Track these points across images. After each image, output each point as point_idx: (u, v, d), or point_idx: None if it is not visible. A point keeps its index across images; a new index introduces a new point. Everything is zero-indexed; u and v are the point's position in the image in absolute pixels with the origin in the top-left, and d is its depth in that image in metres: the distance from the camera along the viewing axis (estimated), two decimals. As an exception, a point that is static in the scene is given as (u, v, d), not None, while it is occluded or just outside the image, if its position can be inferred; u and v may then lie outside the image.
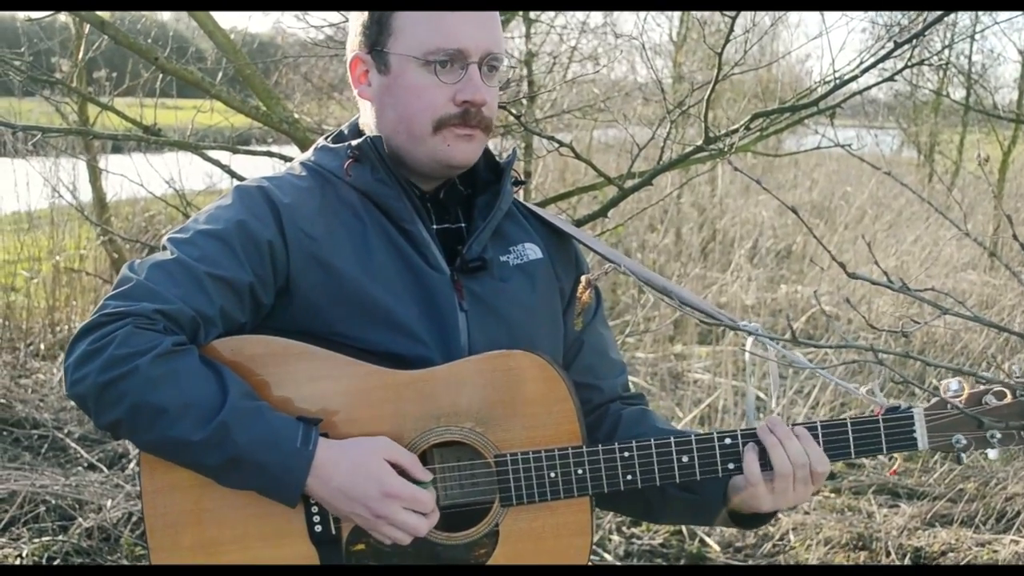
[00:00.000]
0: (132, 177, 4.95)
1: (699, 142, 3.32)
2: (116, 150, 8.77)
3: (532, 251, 2.20)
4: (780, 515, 5.75)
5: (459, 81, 2.01)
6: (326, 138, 2.19)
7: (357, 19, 2.11)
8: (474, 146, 2.07)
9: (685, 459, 2.00)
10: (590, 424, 2.18)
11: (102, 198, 8.53)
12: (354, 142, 2.09)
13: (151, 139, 3.84)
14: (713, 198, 12.40)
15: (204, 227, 1.98)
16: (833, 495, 6.11)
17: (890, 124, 15.89)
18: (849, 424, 1.99)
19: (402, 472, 1.90)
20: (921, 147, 15.56)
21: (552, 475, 1.98)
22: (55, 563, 4.74)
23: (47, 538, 4.93)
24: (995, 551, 5.34)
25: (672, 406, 6.87)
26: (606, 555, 5.19)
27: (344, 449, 1.90)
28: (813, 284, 9.52)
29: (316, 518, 1.96)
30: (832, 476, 6.35)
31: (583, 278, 2.00)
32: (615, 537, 5.41)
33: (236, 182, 2.17)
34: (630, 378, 6.38)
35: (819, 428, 2.00)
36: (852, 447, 2.00)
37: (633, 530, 5.54)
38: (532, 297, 2.15)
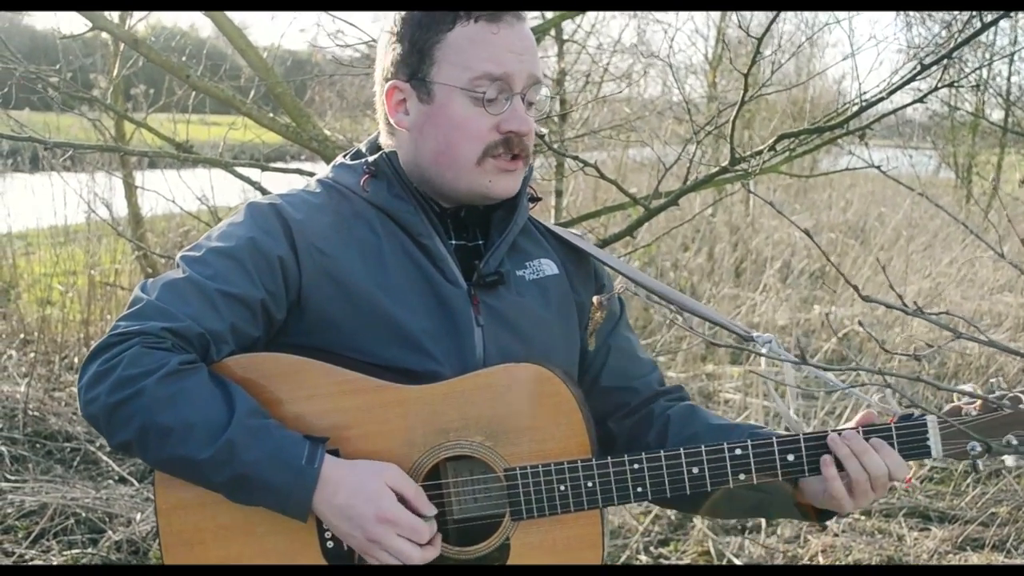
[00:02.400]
0: (165, 193, 5.00)
1: (727, 163, 3.32)
2: (151, 166, 8.84)
3: (548, 267, 2.21)
4: (809, 537, 5.71)
5: (504, 111, 2.02)
6: (344, 155, 2.21)
7: (389, 46, 2.10)
8: (515, 179, 2.09)
9: (695, 471, 1.99)
10: (635, 426, 2.21)
11: (137, 213, 8.61)
12: (370, 158, 2.10)
13: (183, 156, 3.87)
14: (747, 217, 12.36)
15: (216, 245, 2.00)
16: (863, 518, 6.07)
17: (926, 145, 15.80)
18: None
19: (406, 503, 1.90)
20: (958, 168, 15.48)
21: (562, 488, 1.98)
22: (84, 576, 4.77)
23: (76, 551, 4.97)
24: (1027, 576, 5.28)
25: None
26: None
27: (350, 469, 1.90)
28: (847, 305, 9.47)
29: (328, 534, 1.97)
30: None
31: (595, 299, 2.01)
32: (643, 557, 5.39)
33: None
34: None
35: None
36: None
37: (661, 550, 5.52)
38: (547, 311, 2.16)
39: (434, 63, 2.03)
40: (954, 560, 5.49)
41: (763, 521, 5.59)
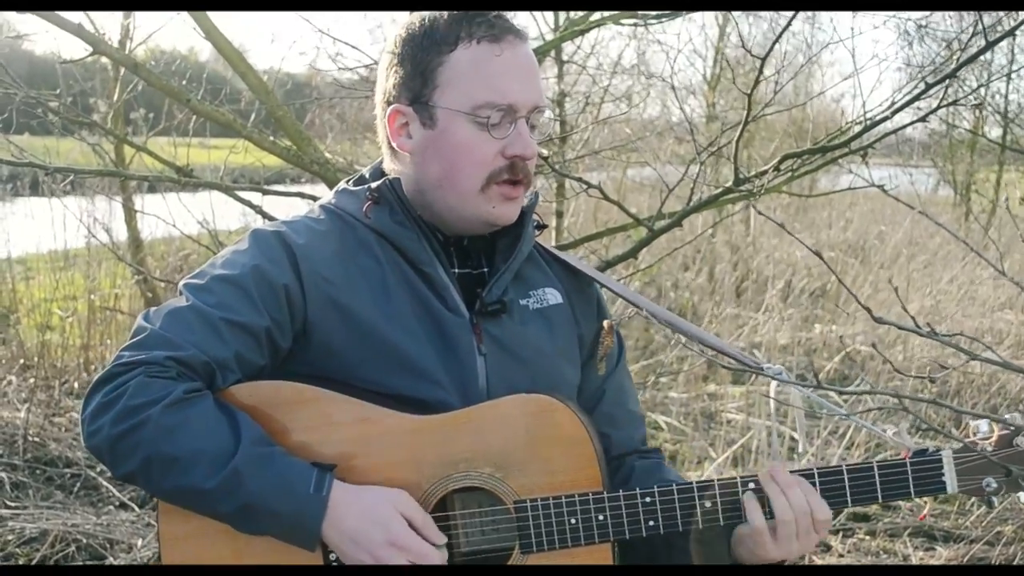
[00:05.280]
0: (165, 217, 4.98)
1: (730, 182, 3.31)
2: (151, 190, 8.83)
3: (552, 296, 2.19)
4: (815, 558, 5.68)
5: (508, 136, 2.01)
6: (347, 181, 2.19)
7: (391, 68, 2.08)
8: (517, 205, 2.08)
9: (708, 504, 1.98)
10: None
11: (137, 237, 8.60)
12: (373, 184, 2.08)
13: (183, 180, 3.86)
14: (747, 237, 12.36)
15: (220, 272, 1.98)
16: (868, 537, 6.04)
17: (926, 163, 15.83)
18: (876, 468, 1.96)
19: (415, 531, 1.88)
20: (957, 186, 15.49)
21: (572, 521, 1.96)
22: (85, 603, 4.75)
23: (82, 582, 4.94)
24: (1033, 596, 5.25)
25: (705, 446, 6.82)
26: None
27: (358, 493, 1.88)
28: (848, 324, 9.45)
29: (334, 561, 1.94)
30: (866, 518, 6.28)
31: (606, 323, 1.99)
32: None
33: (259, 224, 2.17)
34: (663, 418, 6.31)
35: (844, 473, 1.97)
36: (879, 490, 1.97)
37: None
38: (551, 342, 2.14)
39: (436, 87, 2.02)
40: (961, 581, 5.46)
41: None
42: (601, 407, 2.23)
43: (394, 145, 2.10)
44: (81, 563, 5.06)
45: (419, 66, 2.03)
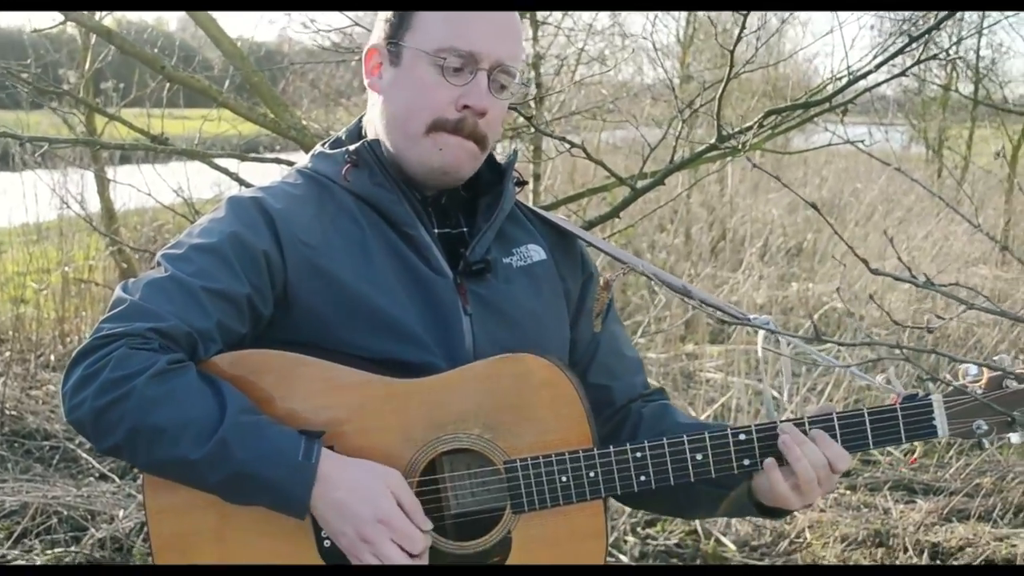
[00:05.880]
0: (140, 187, 4.95)
1: (711, 141, 3.29)
2: (124, 160, 8.78)
3: (536, 253, 2.17)
4: (796, 513, 5.72)
5: (465, 85, 1.99)
6: (323, 144, 2.16)
7: (383, 14, 2.08)
8: (465, 155, 2.04)
9: (699, 457, 1.96)
10: (613, 425, 2.17)
11: (110, 208, 8.54)
12: (352, 147, 2.06)
13: (158, 148, 3.82)
14: (723, 197, 12.37)
15: (197, 241, 1.95)
16: (848, 492, 6.08)
17: (899, 121, 15.85)
18: (867, 414, 1.96)
19: (403, 512, 1.86)
20: (930, 143, 15.54)
21: (563, 479, 1.95)
22: (69, 575, 4.73)
23: (59, 549, 4.92)
24: (1013, 545, 5.30)
25: (685, 406, 6.84)
26: (621, 556, 5.17)
27: (349, 465, 1.86)
28: (824, 281, 9.49)
29: (324, 532, 1.92)
30: (847, 473, 6.32)
31: (601, 279, 1.97)
32: (630, 538, 5.38)
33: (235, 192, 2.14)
34: (643, 378, 6.19)
35: (835, 421, 1.96)
36: (871, 438, 1.96)
37: (648, 531, 5.52)
38: (537, 299, 2.12)
39: (410, 28, 2.02)
40: (940, 532, 5.51)
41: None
42: (597, 359, 2.21)
43: (367, 83, 2.10)
44: (63, 535, 5.04)
45: (402, 10, 2.03)
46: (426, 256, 2.04)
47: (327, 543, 1.92)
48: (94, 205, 8.73)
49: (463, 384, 1.95)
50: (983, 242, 10.63)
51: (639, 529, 5.51)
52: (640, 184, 3.32)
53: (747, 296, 9.11)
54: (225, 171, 4.28)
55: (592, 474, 1.95)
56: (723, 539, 5.43)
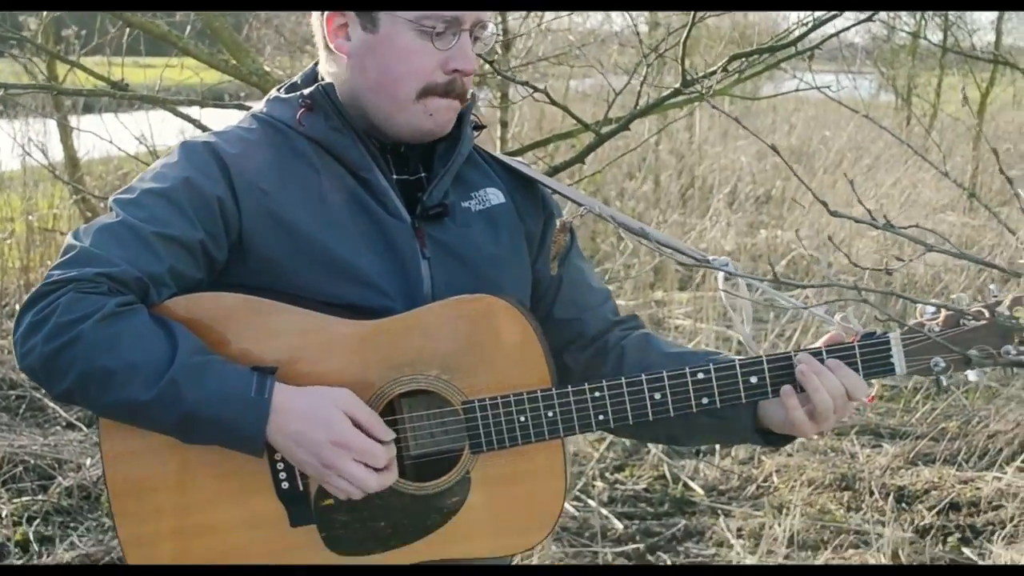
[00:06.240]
0: (103, 135, 4.89)
1: (678, 85, 3.27)
2: (87, 110, 8.69)
3: (495, 196, 2.14)
4: (763, 458, 5.76)
5: (450, 48, 1.96)
6: (279, 89, 2.12)
7: None
8: (453, 114, 2.04)
9: (658, 396, 1.96)
10: (591, 358, 2.16)
11: (73, 156, 8.46)
12: (306, 91, 2.02)
13: (118, 94, 3.77)
14: (691, 145, 12.36)
15: (150, 186, 1.92)
16: (816, 436, 6.11)
17: (868, 69, 15.86)
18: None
19: (360, 428, 1.85)
20: (899, 90, 15.56)
21: (522, 419, 1.94)
22: (35, 522, 4.72)
23: (27, 498, 4.92)
24: (978, 488, 5.37)
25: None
26: (589, 500, 5.19)
27: (302, 395, 1.84)
28: (792, 228, 9.52)
29: (282, 475, 1.92)
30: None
31: (559, 221, 1.95)
32: (599, 483, 5.41)
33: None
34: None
35: (793, 360, 1.95)
36: None
37: (617, 476, 5.55)
38: (495, 242, 2.10)
39: None
40: (906, 475, 5.57)
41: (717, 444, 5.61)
42: (563, 294, 2.19)
43: (331, 46, 2.04)
44: (30, 483, 5.03)
45: None
46: (383, 200, 2.02)
47: (284, 484, 1.92)
48: (57, 153, 8.64)
49: (420, 325, 1.94)
50: (951, 189, 10.69)
51: (608, 474, 5.54)
52: (604, 130, 3.30)
53: (716, 243, 9.13)
54: (187, 118, 4.22)
55: (550, 414, 1.95)
56: (691, 483, 5.47)
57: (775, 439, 2.08)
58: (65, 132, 8.17)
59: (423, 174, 2.10)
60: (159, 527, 1.95)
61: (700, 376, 1.96)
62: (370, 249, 1.99)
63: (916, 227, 1.48)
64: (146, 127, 6.30)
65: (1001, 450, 5.73)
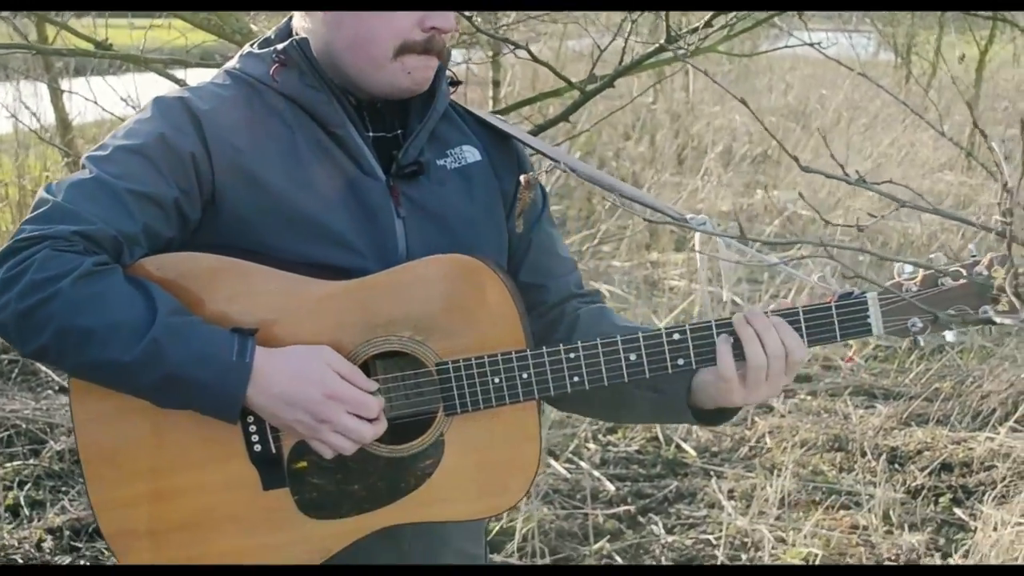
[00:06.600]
0: (90, 97, 4.86)
1: (660, 42, 3.23)
2: (78, 73, 8.62)
3: (471, 154, 2.11)
4: (756, 419, 5.76)
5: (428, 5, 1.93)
6: (252, 44, 2.09)
7: None
8: (431, 74, 2.00)
9: (633, 357, 1.92)
10: (546, 326, 2.12)
11: (64, 119, 8.40)
12: (280, 46, 1.99)
13: (99, 53, 3.73)
14: (687, 104, 12.29)
15: (123, 142, 1.89)
16: (809, 398, 6.13)
17: (865, 27, 15.75)
18: (801, 312, 1.92)
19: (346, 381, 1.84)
20: (898, 49, 15.45)
21: (496, 381, 1.91)
22: (26, 487, 4.72)
23: (18, 462, 4.92)
24: (970, 448, 5.37)
25: (648, 313, 6.85)
26: (582, 462, 5.19)
27: (284, 356, 1.83)
28: (789, 188, 9.47)
29: (255, 438, 1.90)
30: (807, 379, 6.36)
31: (523, 177, 1.90)
32: (591, 445, 5.41)
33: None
34: (606, 287, 6.31)
35: (801, 314, 1.92)
36: (805, 335, 1.92)
37: (609, 438, 5.55)
38: (471, 201, 2.07)
39: None
40: (898, 436, 5.56)
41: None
42: (530, 258, 2.16)
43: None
44: (21, 448, 5.03)
45: None
46: (357, 159, 1.98)
47: (257, 447, 1.90)
48: (48, 117, 8.59)
49: (395, 285, 1.91)
50: (949, 148, 10.63)
51: (600, 436, 5.54)
52: (589, 88, 3.26)
53: (710, 203, 9.09)
54: (172, 78, 4.18)
55: (525, 375, 1.92)
56: (684, 445, 5.47)
57: (707, 416, 2.04)
58: (55, 95, 8.11)
59: (399, 131, 2.07)
60: (131, 492, 1.93)
61: (676, 336, 1.93)
62: (344, 208, 1.96)
63: (890, 182, 1.45)
64: (135, 91, 6.25)
65: (994, 410, 5.73)
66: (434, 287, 1.92)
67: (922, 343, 1.89)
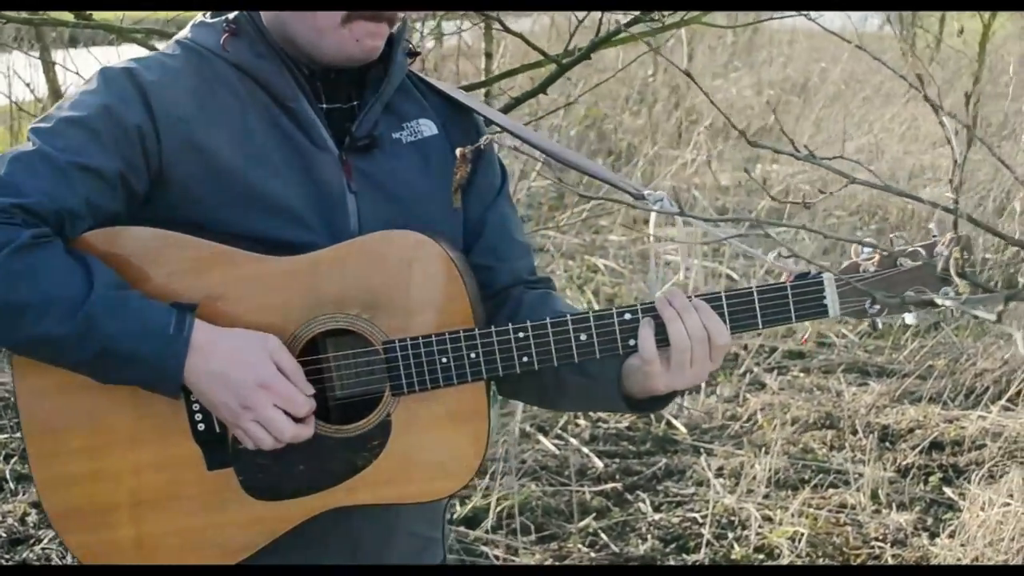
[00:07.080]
0: (85, 73, 4.83)
1: (637, 13, 3.17)
2: (72, 43, 8.59)
3: (427, 127, 2.06)
4: (748, 396, 5.72)
5: None
6: (204, 14, 2.03)
7: None
8: (382, 41, 1.95)
9: (583, 337, 1.88)
10: (490, 309, 2.07)
11: (57, 91, 8.36)
12: (231, 15, 1.94)
13: (79, 23, 3.68)
14: (686, 78, 12.17)
15: (67, 114, 1.84)
16: (802, 375, 6.08)
17: (871, -2, 15.61)
18: (756, 293, 1.87)
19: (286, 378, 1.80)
20: (903, 21, 15.33)
21: (444, 360, 1.87)
22: (12, 460, 4.71)
23: (4, 436, 4.94)
24: (962, 427, 5.33)
25: (643, 287, 6.80)
26: (571, 439, 5.16)
27: (226, 335, 1.80)
28: (789, 164, 9.40)
29: (198, 416, 1.86)
30: (801, 356, 6.32)
31: (458, 151, 1.86)
32: (582, 421, 5.38)
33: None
34: (602, 260, 6.24)
35: (723, 299, 1.88)
36: (759, 316, 1.88)
37: (600, 414, 5.50)
38: (427, 176, 2.02)
39: None
40: (891, 414, 5.52)
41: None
42: (483, 239, 2.11)
43: None
44: (8, 421, 5.02)
45: None
46: (308, 131, 1.94)
47: (201, 426, 1.87)
48: (42, 90, 8.56)
49: (342, 262, 1.87)
50: (951, 123, 10.52)
51: (591, 412, 5.49)
52: (566, 60, 3.21)
53: (707, 178, 9.03)
54: (153, 49, 4.14)
55: (473, 355, 1.88)
56: (674, 422, 5.43)
57: (639, 404, 1.99)
58: (48, 67, 8.09)
59: (355, 102, 2.02)
60: (74, 469, 1.89)
61: (627, 316, 1.89)
62: (295, 182, 1.91)
63: (841, 158, 1.40)
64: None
65: (988, 389, 5.69)
66: (383, 264, 1.88)
67: (879, 325, 1.84)
